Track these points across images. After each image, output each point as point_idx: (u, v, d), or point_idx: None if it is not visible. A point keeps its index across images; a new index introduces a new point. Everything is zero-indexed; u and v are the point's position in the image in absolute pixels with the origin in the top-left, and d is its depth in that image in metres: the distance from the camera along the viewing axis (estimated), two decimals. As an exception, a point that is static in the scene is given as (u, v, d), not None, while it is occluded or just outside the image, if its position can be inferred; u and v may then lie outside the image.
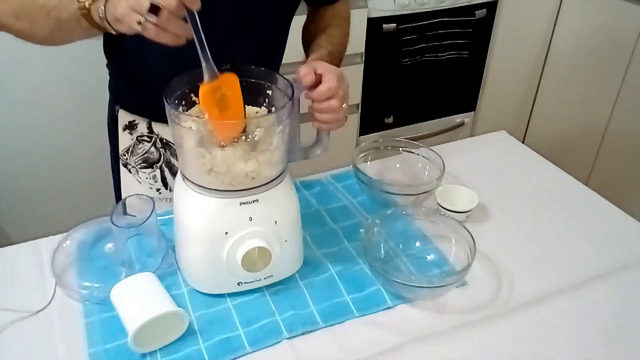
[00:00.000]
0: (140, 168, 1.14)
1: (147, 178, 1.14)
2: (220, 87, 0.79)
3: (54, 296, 0.88)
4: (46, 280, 0.90)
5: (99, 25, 0.79)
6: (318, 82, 0.85)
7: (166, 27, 0.71)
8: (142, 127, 1.11)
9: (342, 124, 0.89)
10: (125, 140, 1.12)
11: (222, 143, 0.79)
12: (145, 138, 1.11)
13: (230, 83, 0.80)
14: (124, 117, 1.11)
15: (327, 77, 0.84)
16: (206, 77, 0.78)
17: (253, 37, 1.02)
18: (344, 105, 0.86)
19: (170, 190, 1.15)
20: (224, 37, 0.98)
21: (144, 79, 1.04)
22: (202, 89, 0.78)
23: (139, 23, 0.71)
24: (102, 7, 0.76)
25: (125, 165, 1.14)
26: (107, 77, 1.14)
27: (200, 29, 0.74)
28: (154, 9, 0.69)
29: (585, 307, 0.89)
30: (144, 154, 1.12)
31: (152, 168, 1.14)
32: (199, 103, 0.87)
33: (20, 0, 0.84)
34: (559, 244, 1.02)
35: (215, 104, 0.78)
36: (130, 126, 1.11)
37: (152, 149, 1.12)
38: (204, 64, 0.77)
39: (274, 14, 1.03)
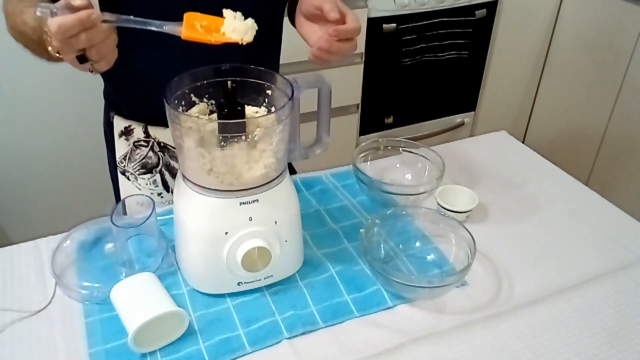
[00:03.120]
0: (139, 174, 1.13)
1: (147, 184, 1.14)
2: (192, 24, 0.78)
3: (54, 296, 0.88)
4: (46, 280, 0.90)
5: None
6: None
7: (103, 53, 0.73)
8: (138, 131, 1.10)
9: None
10: (121, 146, 1.12)
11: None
12: (142, 143, 1.10)
13: (195, 18, 0.79)
14: (119, 123, 1.10)
15: (351, 18, 0.85)
16: (179, 32, 0.77)
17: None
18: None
19: (172, 193, 1.14)
20: None
21: (137, 83, 1.03)
22: (186, 36, 0.77)
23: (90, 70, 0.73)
24: (56, 54, 0.75)
25: (123, 173, 1.13)
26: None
27: (126, 17, 0.73)
28: (84, 58, 0.71)
29: (585, 307, 0.89)
30: (141, 160, 1.11)
31: (152, 173, 1.13)
32: (198, 103, 0.87)
33: (19, 33, 0.84)
34: (559, 244, 1.02)
35: (205, 34, 0.78)
36: (126, 132, 1.10)
37: (150, 153, 1.11)
38: (166, 30, 0.76)
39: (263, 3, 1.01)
